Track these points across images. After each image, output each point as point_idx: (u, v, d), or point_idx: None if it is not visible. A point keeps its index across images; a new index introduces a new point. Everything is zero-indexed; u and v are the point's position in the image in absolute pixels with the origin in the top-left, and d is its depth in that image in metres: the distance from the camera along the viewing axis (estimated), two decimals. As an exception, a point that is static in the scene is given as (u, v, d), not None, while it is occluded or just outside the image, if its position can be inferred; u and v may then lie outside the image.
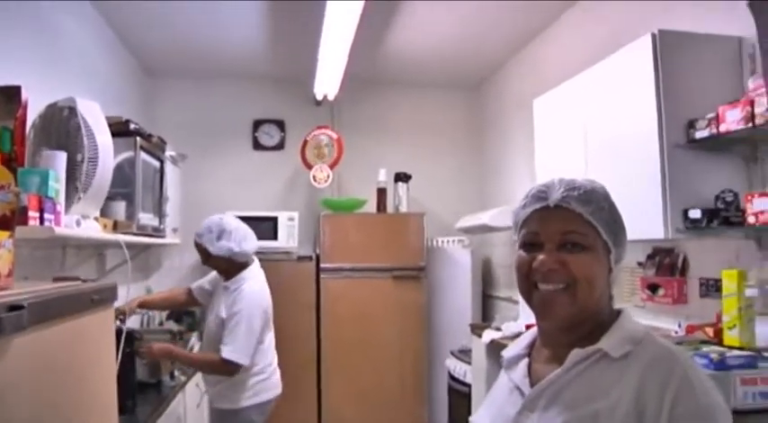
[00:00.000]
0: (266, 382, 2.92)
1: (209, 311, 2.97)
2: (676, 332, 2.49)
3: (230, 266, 2.88)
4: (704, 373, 1.07)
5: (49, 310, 1.16)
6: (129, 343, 2.66)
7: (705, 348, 2.10)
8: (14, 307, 1.03)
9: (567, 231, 1.10)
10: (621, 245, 1.14)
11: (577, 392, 1.07)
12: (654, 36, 2.40)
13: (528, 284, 1.14)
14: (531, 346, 1.24)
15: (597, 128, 2.82)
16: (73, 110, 2.16)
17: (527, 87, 4.11)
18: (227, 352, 2.71)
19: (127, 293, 2.67)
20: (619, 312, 1.15)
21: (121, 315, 2.84)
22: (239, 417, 2.84)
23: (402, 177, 4.81)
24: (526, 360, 1.21)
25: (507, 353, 1.27)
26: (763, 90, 1.99)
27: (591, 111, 2.87)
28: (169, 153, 3.90)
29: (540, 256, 1.11)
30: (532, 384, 1.14)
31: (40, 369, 1.14)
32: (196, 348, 3.97)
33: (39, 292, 1.16)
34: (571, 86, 3.04)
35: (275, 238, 4.60)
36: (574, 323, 1.12)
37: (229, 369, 2.74)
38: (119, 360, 2.29)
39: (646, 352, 1.05)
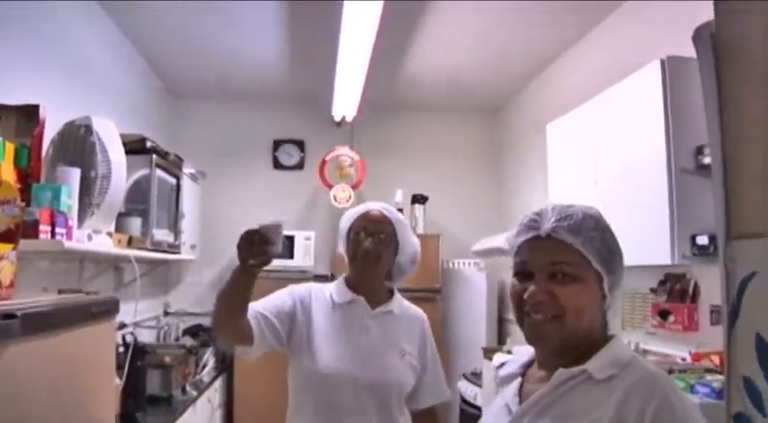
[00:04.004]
0: None
1: (357, 335, 1.88)
2: (684, 360, 2.46)
3: (385, 279, 2.00)
4: (688, 399, 1.08)
5: (44, 321, 1.20)
6: (140, 356, 2.72)
7: (709, 377, 2.07)
8: (7, 316, 1.07)
9: (557, 262, 1.11)
10: (615, 272, 1.14)
11: (561, 412, 1.08)
12: (663, 62, 2.41)
13: (520, 313, 1.15)
14: (528, 365, 1.25)
15: (607, 153, 2.82)
16: (88, 128, 2.24)
17: (544, 112, 4.11)
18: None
19: (135, 308, 2.72)
20: (611, 337, 1.16)
21: None
22: None
23: (419, 199, 4.83)
24: (519, 379, 1.23)
25: (502, 371, 1.29)
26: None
27: (601, 136, 2.87)
28: (188, 171, 3.98)
29: (531, 287, 1.12)
30: (521, 403, 1.16)
31: (33, 378, 1.18)
32: (211, 363, 4.02)
33: (35, 303, 1.21)
34: (583, 112, 3.06)
35: (291, 256, 4.65)
36: (565, 349, 1.13)
37: None
38: (125, 372, 2.34)
39: (630, 375, 1.06)
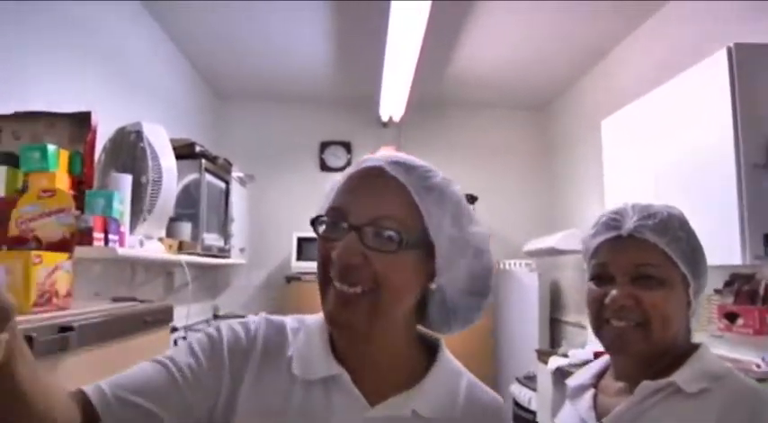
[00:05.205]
0: None
1: None
2: (758, 367, 2.32)
3: (418, 322, 0.95)
4: None
5: (99, 332, 1.18)
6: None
7: (789, 385, 1.94)
8: (65, 328, 1.05)
9: (641, 264, 1.04)
10: (702, 276, 1.07)
11: None
12: (730, 50, 2.27)
13: (599, 320, 1.08)
14: (600, 376, 1.18)
15: (668, 149, 2.70)
16: (139, 134, 2.23)
17: (597, 107, 3.99)
18: None
19: (187, 312, 2.72)
20: (697, 346, 1.08)
21: None
22: None
23: (468, 199, 4.71)
24: (592, 391, 1.15)
25: (572, 382, 1.21)
26: None
27: (661, 131, 2.75)
28: (236, 174, 3.98)
29: (612, 292, 1.04)
30: (598, 417, 1.08)
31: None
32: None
33: (91, 314, 1.19)
34: (641, 106, 2.93)
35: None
36: (650, 359, 1.05)
37: None
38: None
39: (726, 390, 0.97)
